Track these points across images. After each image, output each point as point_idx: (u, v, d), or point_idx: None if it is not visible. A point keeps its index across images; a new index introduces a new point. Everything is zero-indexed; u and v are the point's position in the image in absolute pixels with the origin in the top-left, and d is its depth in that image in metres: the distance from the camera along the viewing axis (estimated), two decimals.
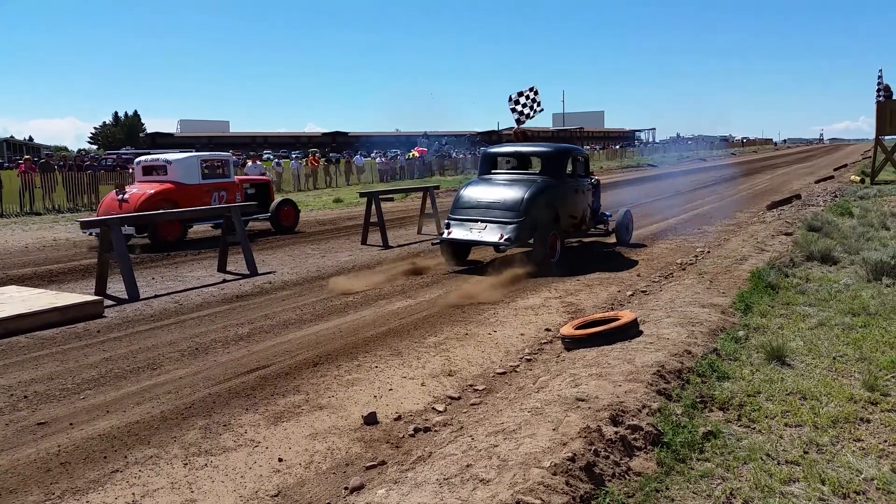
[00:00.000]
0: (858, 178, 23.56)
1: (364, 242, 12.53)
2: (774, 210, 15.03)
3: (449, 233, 9.69)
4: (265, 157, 55.67)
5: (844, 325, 5.55)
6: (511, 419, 3.91)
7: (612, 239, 11.59)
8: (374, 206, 12.53)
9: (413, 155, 42.36)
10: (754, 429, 3.73)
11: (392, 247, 12.07)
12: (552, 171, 10.11)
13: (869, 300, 6.26)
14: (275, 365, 5.61)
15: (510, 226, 9.25)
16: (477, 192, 10.02)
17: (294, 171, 32.27)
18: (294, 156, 43.54)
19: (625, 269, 9.41)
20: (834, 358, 4.79)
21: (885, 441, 3.55)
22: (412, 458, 3.74)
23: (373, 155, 46.03)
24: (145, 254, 11.80)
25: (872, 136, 23.17)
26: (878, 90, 22.21)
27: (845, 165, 37.51)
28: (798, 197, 17.11)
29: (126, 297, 8.15)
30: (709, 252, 9.87)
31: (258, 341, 6.31)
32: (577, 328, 5.74)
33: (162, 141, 72.37)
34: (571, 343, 5.56)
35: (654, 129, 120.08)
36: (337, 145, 68.40)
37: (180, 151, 16.03)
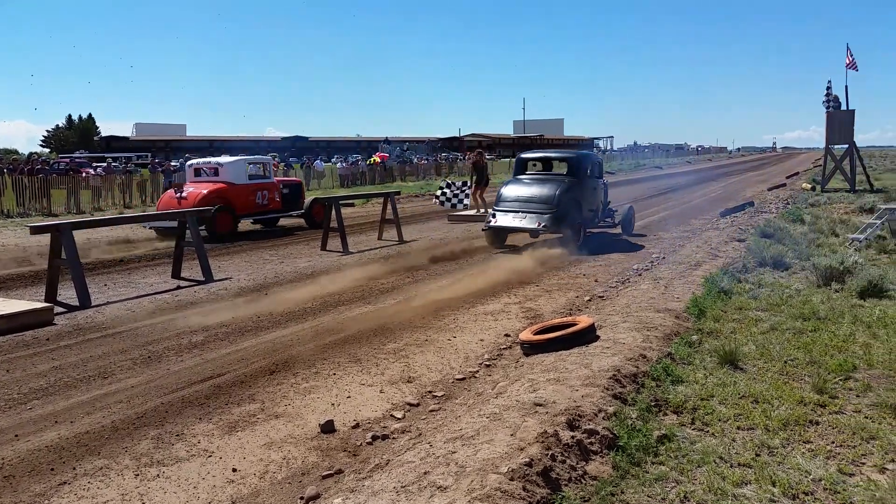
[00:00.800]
0: (809, 186, 24.27)
1: (324, 248, 12.42)
2: (728, 217, 15.37)
3: (495, 221, 11.75)
4: None
5: (795, 329, 5.70)
6: (469, 425, 3.91)
7: (618, 230, 13.33)
8: (333, 212, 12.44)
9: (374, 160, 42.28)
10: (707, 432, 3.80)
11: (352, 252, 11.99)
12: (576, 173, 12.27)
13: (819, 305, 6.44)
14: (229, 373, 5.51)
15: (546, 216, 11.36)
16: (516, 190, 12.15)
17: None
18: None
19: (583, 275, 9.51)
20: (785, 362, 4.90)
21: (833, 442, 3.65)
22: (369, 466, 3.72)
23: (333, 160, 45.76)
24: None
25: (823, 144, 23.88)
26: (827, 100, 22.93)
27: (797, 173, 38.62)
28: (751, 204, 17.54)
29: (77, 303, 7.93)
30: (664, 258, 10.03)
31: (213, 349, 6.20)
32: (535, 333, 5.79)
33: (117, 145, 70.67)
34: (530, 348, 5.60)
35: (612, 137, 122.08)
36: (297, 150, 67.72)
37: (228, 155, 18.00)
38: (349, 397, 4.96)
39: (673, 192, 26.87)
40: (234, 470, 3.86)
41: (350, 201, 21.32)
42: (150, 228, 14.49)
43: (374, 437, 4.23)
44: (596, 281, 8.97)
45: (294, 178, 19.31)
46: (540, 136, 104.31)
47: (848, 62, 22.46)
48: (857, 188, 22.12)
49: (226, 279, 9.59)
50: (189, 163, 17.35)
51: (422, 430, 4.20)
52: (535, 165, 13.49)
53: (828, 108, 22.85)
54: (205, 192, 14.41)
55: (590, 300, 7.76)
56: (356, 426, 4.44)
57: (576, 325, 5.67)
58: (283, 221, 17.01)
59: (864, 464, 3.41)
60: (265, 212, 15.82)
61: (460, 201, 19.54)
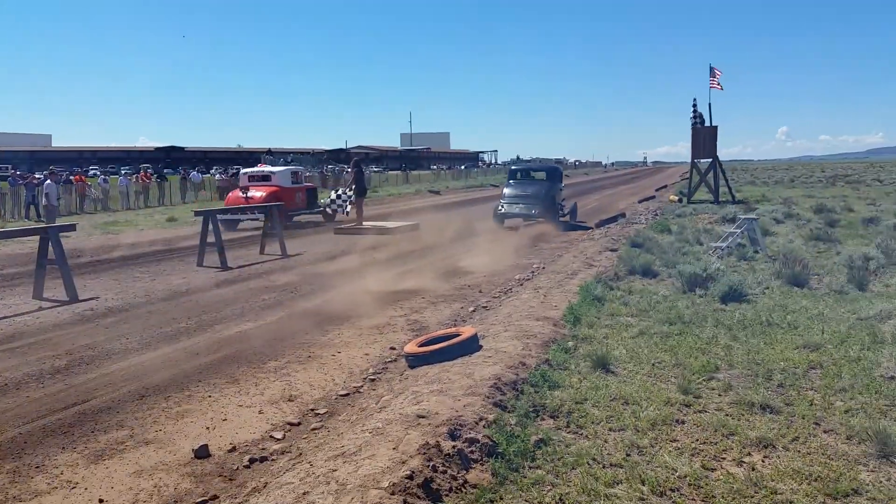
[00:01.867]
0: (677, 198, 25.88)
1: (200, 264, 11.92)
2: (602, 228, 16.11)
3: (503, 210, 17.31)
4: (90, 173, 51.57)
5: (662, 333, 6.03)
6: (352, 441, 3.86)
7: (567, 218, 18.14)
8: (211, 226, 11.97)
9: None
10: (582, 434, 3.94)
11: (231, 268, 11.58)
12: (551, 179, 18.55)
13: (684, 310, 6.85)
14: (96, 399, 5.16)
15: (537, 207, 16.97)
16: (514, 190, 17.94)
17: (122, 188, 30.18)
18: (124, 171, 40.64)
19: (468, 286, 9.65)
20: (653, 364, 5.18)
21: (697, 440, 3.87)
22: (246, 490, 3.59)
23: (212, 171, 44.12)
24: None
25: (689, 159, 25.52)
26: (693, 117, 24.55)
27: (665, 186, 41.12)
28: (623, 215, 18.48)
29: None
30: (543, 268, 10.37)
31: (77, 374, 5.79)
32: (420, 345, 5.80)
33: None
34: (415, 360, 5.61)
35: (497, 150, 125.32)
36: (172, 161, 64.80)
37: (276, 165, 22.06)
38: (225, 420, 4.77)
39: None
40: (101, 501, 3.62)
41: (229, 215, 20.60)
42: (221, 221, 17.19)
43: (252, 460, 4.08)
44: (480, 292, 9.13)
45: (310, 184, 22.08)
46: (427, 148, 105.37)
47: (712, 82, 24.16)
48: (720, 200, 23.79)
49: (92, 299, 8.99)
50: (243, 171, 22.17)
51: (302, 450, 4.11)
52: (522, 174, 20.02)
53: (693, 124, 24.47)
54: (265, 193, 18.50)
55: (474, 311, 7.88)
56: (233, 449, 4.27)
57: (459, 335, 5.74)
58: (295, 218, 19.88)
59: (724, 459, 3.64)
60: (298, 210, 19.97)
61: (343, 210, 19.28)
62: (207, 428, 4.63)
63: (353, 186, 18.47)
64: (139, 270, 11.56)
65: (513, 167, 21.31)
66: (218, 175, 38.18)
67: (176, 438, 4.46)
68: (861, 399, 4.35)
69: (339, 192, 19.40)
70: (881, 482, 3.31)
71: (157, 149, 73.26)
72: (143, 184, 31.56)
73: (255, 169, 21.17)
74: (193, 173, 38.27)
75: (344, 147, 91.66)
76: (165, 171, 46.27)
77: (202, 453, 4.18)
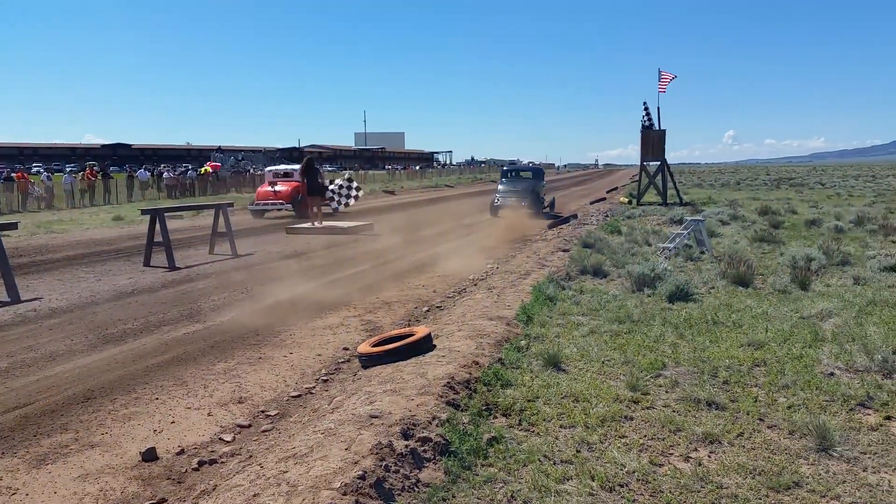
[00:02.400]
0: (627, 200, 26.35)
1: (147, 264, 11.64)
2: (555, 229, 16.30)
3: (499, 203, 20.60)
4: (34, 170, 49.88)
5: (612, 331, 6.13)
6: (303, 443, 3.82)
7: (548, 209, 21.85)
8: (158, 225, 11.70)
9: (206, 170, 40.41)
10: (533, 432, 3.98)
11: (180, 268, 11.34)
12: (536, 178, 22.78)
13: (633, 309, 6.98)
14: (38, 402, 4.99)
15: (526, 199, 20.40)
16: (506, 186, 21.83)
17: (66, 186, 29.26)
18: (68, 169, 39.41)
19: (422, 286, 9.65)
20: (602, 362, 5.26)
21: (645, 436, 3.95)
22: (195, 492, 3.52)
23: (160, 169, 43.15)
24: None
25: (639, 162, 26.00)
26: (646, 118, 25.01)
27: (616, 188, 41.82)
28: (575, 217, 18.73)
29: None
30: (497, 268, 10.44)
31: (19, 377, 5.59)
32: (373, 345, 5.78)
33: None
34: (368, 361, 5.58)
35: (451, 151, 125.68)
36: (119, 158, 63.08)
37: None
38: (174, 422, 4.67)
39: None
40: None
41: (178, 213, 20.20)
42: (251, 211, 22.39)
43: (201, 463, 4.00)
44: (434, 292, 9.14)
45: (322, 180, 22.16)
46: (382, 149, 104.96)
47: (660, 86, 24.67)
48: (668, 202, 24.31)
49: (35, 300, 8.69)
50: (268, 169, 25.46)
51: (253, 452, 4.04)
52: (512, 173, 24.12)
53: (643, 127, 24.95)
54: (289, 188, 22.13)
55: (428, 311, 7.89)
56: (181, 452, 4.19)
57: (413, 335, 5.73)
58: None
59: (671, 454, 3.72)
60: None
61: (342, 202, 19.17)
62: (155, 431, 4.52)
63: (307, 187, 18.28)
64: (84, 270, 11.23)
65: (504, 168, 27.14)
66: (167, 173, 37.32)
67: (123, 441, 4.35)
68: (803, 395, 4.49)
69: (340, 182, 19.11)
70: (821, 475, 3.43)
71: (104, 146, 71.19)
72: (88, 182, 30.67)
73: (279, 167, 24.85)
74: (141, 171, 37.34)
75: (297, 146, 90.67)
76: (112, 168, 44.98)
77: (150, 456, 4.08)
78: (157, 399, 5.10)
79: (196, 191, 36.08)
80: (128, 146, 71.60)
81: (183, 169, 41.88)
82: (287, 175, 23.01)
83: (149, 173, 36.86)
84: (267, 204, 22.29)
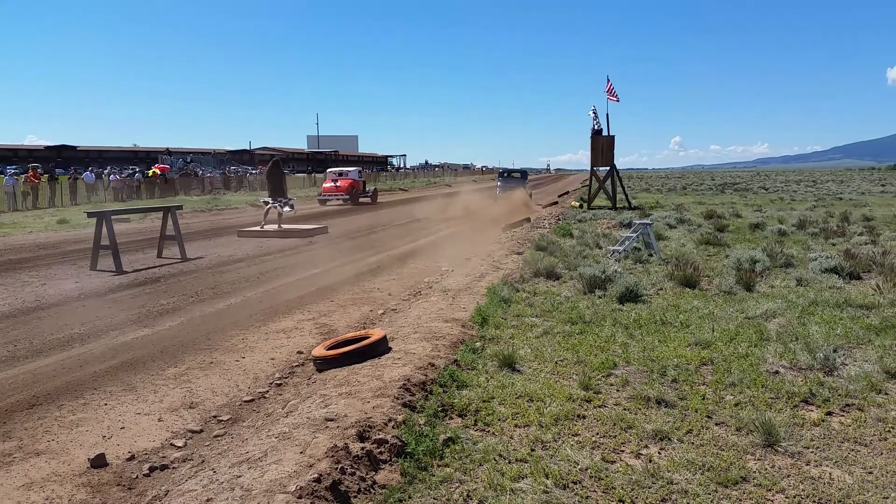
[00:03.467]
0: (578, 204, 26.73)
1: (94, 268, 11.32)
2: (509, 232, 16.44)
3: (499, 194, 30.57)
4: None
5: (565, 332, 6.23)
6: (257, 447, 3.78)
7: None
8: (105, 228, 11.39)
9: (154, 173, 39.52)
10: (489, 431, 4.01)
11: (127, 272, 11.06)
12: (524, 177, 34.75)
13: (584, 310, 7.10)
14: None
15: (517, 192, 29.05)
16: (503, 182, 33.21)
17: (8, 189, 28.23)
18: (10, 171, 38.00)
19: (377, 289, 9.63)
20: (556, 362, 5.34)
21: (598, 433, 4.02)
22: (146, 499, 3.44)
23: (106, 171, 42.03)
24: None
25: (589, 167, 26.41)
26: (593, 124, 25.42)
27: (567, 192, 42.36)
28: (528, 220, 18.91)
29: None
30: (452, 271, 10.48)
31: None
32: (328, 348, 5.74)
33: None
34: (323, 364, 5.54)
35: (405, 155, 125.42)
36: (63, 160, 61.09)
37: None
38: (123, 428, 4.56)
39: (464, 208, 28.19)
40: None
41: (125, 216, 19.71)
42: (320, 201, 30.76)
43: (152, 469, 3.92)
44: (390, 294, 9.12)
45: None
46: (334, 152, 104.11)
47: (610, 95, 25.09)
48: (617, 206, 24.76)
49: None
50: (330, 170, 34.12)
51: (205, 457, 3.98)
52: (508, 174, 34.94)
53: (592, 133, 25.36)
54: (347, 183, 30.68)
55: (383, 313, 7.87)
56: (131, 458, 4.09)
57: (368, 337, 5.72)
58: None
59: (623, 451, 3.80)
60: (363, 193, 32.16)
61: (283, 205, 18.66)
62: (104, 437, 4.41)
63: (269, 188, 18.02)
64: (28, 274, 10.86)
65: (501, 171, 39.04)
66: (113, 175, 36.34)
67: (70, 448, 4.23)
68: (749, 393, 4.64)
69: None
70: (767, 469, 3.55)
71: (47, 147, 68.77)
72: (31, 184, 29.66)
73: (338, 169, 33.44)
74: (87, 173, 36.27)
75: (248, 148, 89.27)
76: (56, 170, 43.53)
77: (98, 463, 3.98)
78: (105, 405, 4.97)
79: (143, 193, 35.26)
80: (72, 148, 69.27)
81: (130, 171, 40.84)
82: (342, 174, 31.92)
83: (94, 175, 35.82)
84: (330, 196, 30.87)
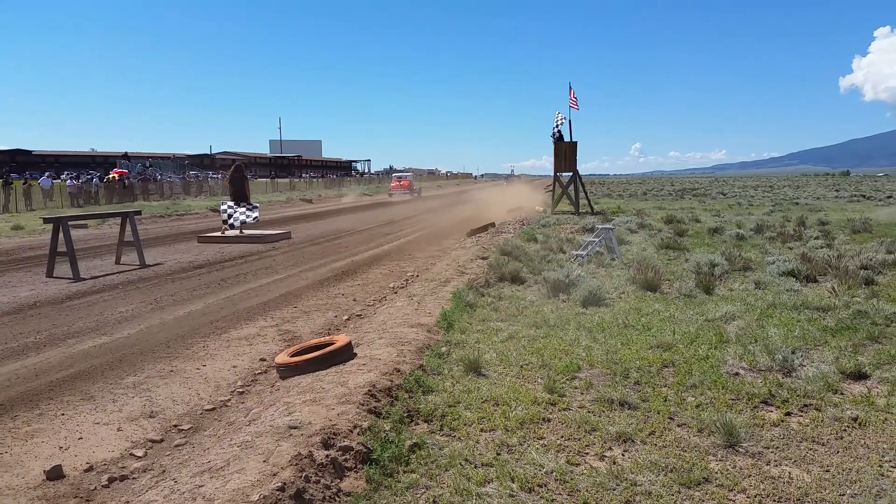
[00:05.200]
0: (542, 209, 26.91)
1: (50, 275, 11.04)
2: (474, 237, 16.48)
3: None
4: None
5: (530, 336, 6.26)
6: (219, 456, 3.71)
7: None
8: (62, 234, 11.12)
9: (112, 178, 38.74)
10: (455, 436, 4.01)
11: (85, 279, 10.81)
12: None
13: (549, 314, 7.15)
14: None
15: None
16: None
17: None
18: None
19: (342, 294, 9.56)
20: (521, 366, 5.36)
21: (563, 436, 4.05)
22: None
23: (63, 177, 41.06)
24: None
25: (552, 172, 26.63)
26: (555, 128, 25.62)
27: (492, 225, 42.54)
28: (493, 225, 18.97)
29: None
30: (418, 276, 10.46)
31: None
32: (292, 355, 5.67)
33: None
34: (286, 371, 5.48)
35: (370, 160, 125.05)
36: (18, 165, 59.52)
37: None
38: (81, 438, 4.44)
39: (430, 213, 28.23)
40: None
41: (83, 222, 19.26)
42: (389, 195, 47.78)
43: (111, 479, 3.82)
44: (354, 300, 9.07)
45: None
46: (298, 156, 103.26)
47: (571, 102, 25.37)
48: (580, 211, 25.00)
49: None
50: (394, 174, 57.71)
51: (166, 467, 3.90)
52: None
53: (555, 139, 25.56)
54: (406, 183, 49.27)
55: (348, 319, 7.81)
56: (89, 469, 3.99)
57: (333, 344, 5.67)
58: None
59: (587, 453, 3.83)
60: (412, 191, 48.57)
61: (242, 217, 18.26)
62: (61, 448, 4.29)
63: (231, 192, 17.79)
64: None
65: (394, 173, 53.52)
66: (70, 180, 35.48)
67: (25, 460, 4.10)
68: (710, 394, 4.72)
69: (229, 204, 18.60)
70: (728, 470, 3.61)
71: (1, 152, 66.85)
72: None
73: (398, 173, 51.09)
74: (44, 178, 35.35)
75: (208, 152, 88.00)
76: (11, 175, 42.34)
77: (55, 474, 3.87)
78: (62, 415, 4.84)
79: (101, 198, 34.50)
80: (28, 152, 67.49)
81: (88, 176, 39.96)
82: (401, 178, 50.84)
83: (52, 180, 34.94)
84: (396, 191, 47.22)
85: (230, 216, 17.16)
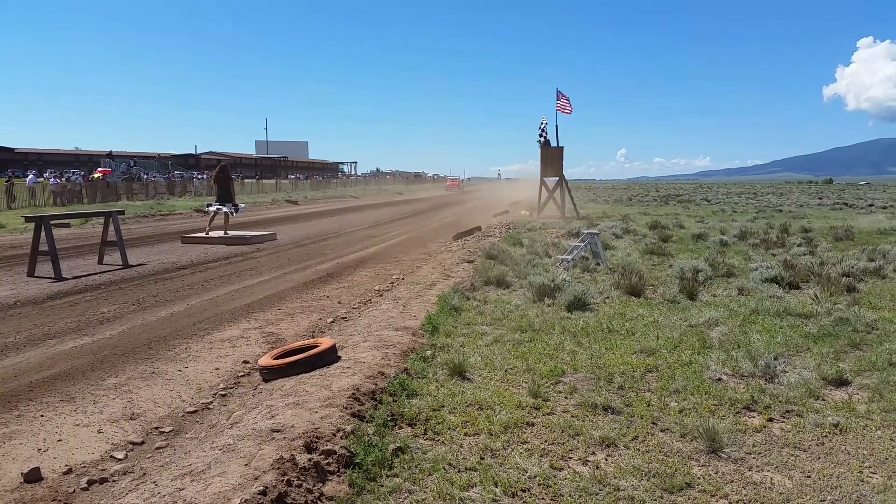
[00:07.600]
0: (528, 213, 26.98)
1: (31, 274, 10.90)
2: (459, 240, 16.48)
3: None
4: None
5: (514, 340, 6.27)
6: (200, 459, 3.68)
7: None
8: (44, 233, 10.99)
9: (96, 177, 38.41)
10: (438, 440, 4.00)
11: (67, 279, 10.69)
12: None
13: (534, 318, 7.16)
14: None
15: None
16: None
17: None
18: None
19: (326, 297, 9.52)
20: (506, 370, 5.36)
21: (546, 441, 4.05)
22: None
23: (46, 175, 40.65)
24: None
25: (539, 177, 26.71)
26: (540, 132, 25.71)
27: (517, 201, 42.69)
28: (479, 229, 19.00)
29: None
30: (403, 279, 10.45)
31: None
32: (275, 358, 5.64)
33: None
34: (270, 373, 5.44)
35: (357, 162, 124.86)
36: (1, 163, 58.90)
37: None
38: (60, 440, 4.39)
39: (415, 215, 28.20)
40: None
41: (65, 221, 19.06)
42: (447, 189, 77.07)
43: (91, 482, 3.78)
44: (339, 302, 9.03)
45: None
46: (284, 157, 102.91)
47: (558, 105, 25.47)
48: (566, 215, 25.09)
49: None
50: (448, 177, 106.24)
51: (146, 470, 3.86)
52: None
53: (542, 143, 25.65)
54: (456, 182, 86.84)
55: (333, 322, 7.78)
56: (69, 471, 3.94)
57: (317, 346, 5.64)
58: None
59: (571, 458, 3.84)
60: (457, 187, 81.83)
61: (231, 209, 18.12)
62: (39, 450, 4.23)
63: (215, 189, 17.69)
64: None
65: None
66: (52, 179, 35.12)
67: (2, 462, 4.04)
68: (693, 399, 4.74)
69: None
70: (711, 475, 3.63)
71: None
72: None
73: (451, 176, 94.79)
74: (30, 177, 34.97)
75: (193, 152, 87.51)
76: None
77: (33, 477, 3.81)
78: (42, 416, 4.78)
79: (84, 197, 34.19)
80: (10, 150, 66.81)
81: (69, 175, 39.58)
82: (453, 179, 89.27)
83: (37, 178, 34.58)
84: (452, 189, 70.35)
85: (215, 211, 17.30)
